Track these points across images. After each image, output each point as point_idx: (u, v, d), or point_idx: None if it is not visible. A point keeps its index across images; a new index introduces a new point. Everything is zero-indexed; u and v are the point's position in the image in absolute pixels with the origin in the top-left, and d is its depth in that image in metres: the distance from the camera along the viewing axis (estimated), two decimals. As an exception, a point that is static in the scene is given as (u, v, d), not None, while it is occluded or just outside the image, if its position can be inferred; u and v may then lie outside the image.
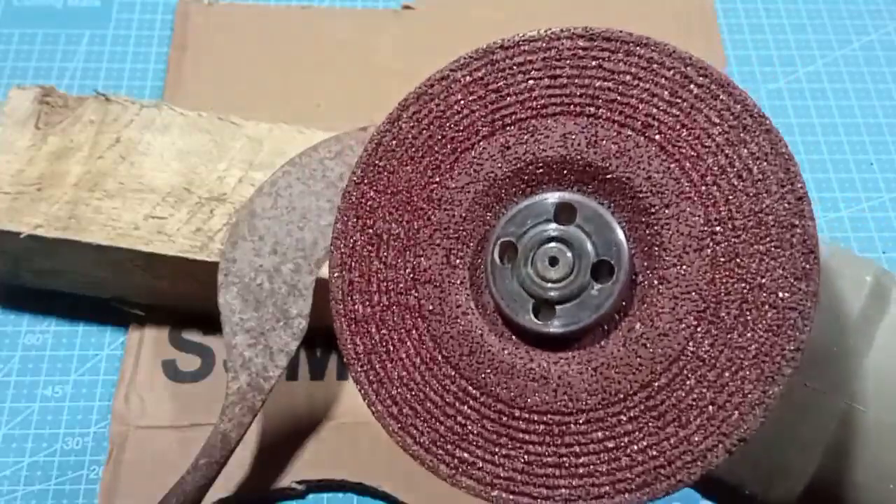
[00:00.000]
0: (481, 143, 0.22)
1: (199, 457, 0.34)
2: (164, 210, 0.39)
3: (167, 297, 0.41)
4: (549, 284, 0.20)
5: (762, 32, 0.55)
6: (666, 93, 0.20)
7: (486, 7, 0.54)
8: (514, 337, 0.21)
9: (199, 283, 0.39)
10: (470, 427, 0.21)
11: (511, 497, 0.20)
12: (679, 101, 0.20)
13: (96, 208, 0.39)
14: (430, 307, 0.21)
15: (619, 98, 0.20)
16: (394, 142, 0.22)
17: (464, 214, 0.22)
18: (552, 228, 0.21)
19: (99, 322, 0.43)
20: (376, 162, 0.23)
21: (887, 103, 0.53)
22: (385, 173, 0.22)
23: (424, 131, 0.22)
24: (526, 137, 0.21)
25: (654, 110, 0.20)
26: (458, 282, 0.21)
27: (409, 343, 0.21)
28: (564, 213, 0.21)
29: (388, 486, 0.39)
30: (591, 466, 0.19)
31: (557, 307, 0.20)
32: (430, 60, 0.52)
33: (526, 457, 0.20)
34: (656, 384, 0.19)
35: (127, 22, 0.54)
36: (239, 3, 0.54)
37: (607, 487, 0.19)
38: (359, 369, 0.22)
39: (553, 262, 0.20)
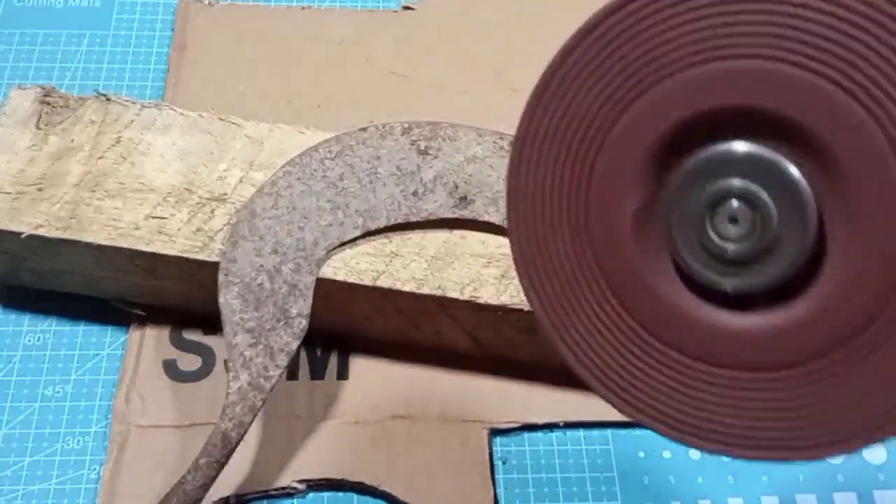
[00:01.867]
0: (674, 77, 0.20)
1: (199, 456, 0.34)
2: (165, 210, 0.39)
3: (168, 297, 0.42)
4: (728, 243, 0.20)
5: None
6: (883, 50, 0.18)
7: (486, 7, 0.54)
8: (687, 289, 0.20)
9: (200, 283, 0.39)
10: (639, 365, 0.21)
11: (678, 435, 0.20)
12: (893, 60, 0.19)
13: (97, 208, 0.39)
14: (603, 248, 0.21)
15: (834, 52, 0.19)
16: (589, 54, 0.21)
17: (640, 157, 0.20)
18: (735, 183, 0.19)
19: (99, 322, 0.43)
20: (564, 75, 0.21)
21: (887, 103, 0.53)
22: (570, 93, 0.21)
23: (624, 46, 0.20)
24: (722, 81, 0.19)
25: (871, 69, 0.19)
26: (629, 227, 0.21)
27: (587, 290, 0.21)
28: (750, 166, 0.19)
29: (388, 486, 0.39)
30: (759, 420, 0.20)
31: (736, 266, 0.20)
32: (430, 60, 0.53)
33: (702, 405, 0.20)
34: (843, 348, 0.19)
35: (127, 22, 0.54)
36: (239, 3, 0.54)
37: (774, 439, 0.19)
38: (541, 312, 0.22)
39: (733, 220, 0.19)
